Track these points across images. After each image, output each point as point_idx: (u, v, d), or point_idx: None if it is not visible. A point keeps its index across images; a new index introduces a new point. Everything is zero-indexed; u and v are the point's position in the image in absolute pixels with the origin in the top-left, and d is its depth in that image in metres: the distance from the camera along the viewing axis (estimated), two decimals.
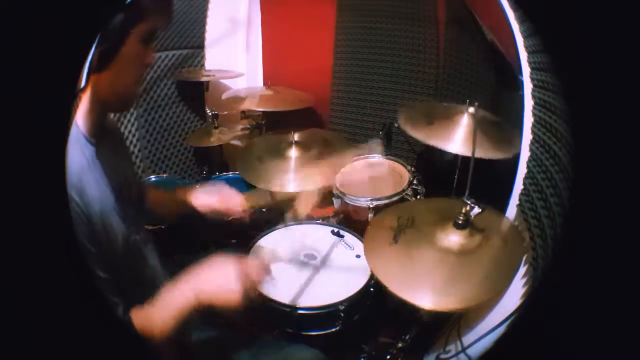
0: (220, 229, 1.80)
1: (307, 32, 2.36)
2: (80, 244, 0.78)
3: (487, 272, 0.99)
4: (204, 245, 1.83)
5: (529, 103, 1.10)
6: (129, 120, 2.14)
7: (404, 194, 1.54)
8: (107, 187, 0.91)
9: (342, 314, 1.19)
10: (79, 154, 0.85)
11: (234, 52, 2.55)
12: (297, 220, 1.45)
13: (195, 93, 2.40)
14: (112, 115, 1.16)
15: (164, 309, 0.85)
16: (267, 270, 0.99)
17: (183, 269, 1.11)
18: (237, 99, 2.16)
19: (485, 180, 1.16)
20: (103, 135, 0.95)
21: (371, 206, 1.51)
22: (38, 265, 0.61)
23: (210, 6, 2.39)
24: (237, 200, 1.27)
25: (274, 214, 1.85)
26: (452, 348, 1.16)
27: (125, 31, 0.81)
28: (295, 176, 1.77)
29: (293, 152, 1.85)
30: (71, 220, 0.77)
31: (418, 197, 1.59)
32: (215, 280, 0.88)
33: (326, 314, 1.19)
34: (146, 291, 1.04)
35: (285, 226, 1.55)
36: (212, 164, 2.39)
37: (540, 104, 1.03)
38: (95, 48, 0.77)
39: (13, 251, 0.59)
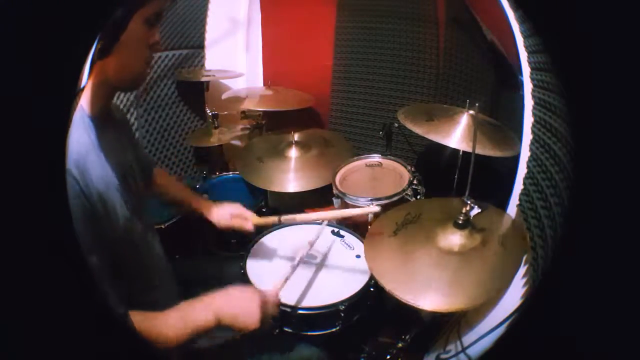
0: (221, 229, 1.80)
1: (307, 32, 2.36)
2: (76, 228, 0.74)
3: (487, 272, 0.99)
4: (204, 246, 1.83)
5: (529, 103, 1.10)
6: (128, 120, 2.14)
7: (404, 194, 1.54)
8: (112, 170, 0.91)
9: (342, 314, 1.19)
10: (83, 135, 0.85)
11: (234, 52, 2.55)
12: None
13: (196, 93, 2.40)
14: (119, 103, 1.17)
15: (182, 322, 0.88)
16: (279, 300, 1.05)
17: (184, 270, 1.12)
18: (237, 99, 2.16)
19: (486, 180, 1.16)
20: (109, 120, 0.95)
21: None
22: (37, 266, 0.61)
23: (210, 6, 2.39)
24: (249, 218, 1.34)
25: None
26: (452, 348, 1.17)
27: (129, 14, 0.82)
28: (295, 176, 1.78)
29: (293, 152, 1.86)
30: (71, 221, 0.74)
31: (418, 197, 1.59)
32: (236, 304, 0.94)
33: (326, 314, 1.18)
34: (147, 282, 1.04)
35: (286, 226, 1.55)
36: (212, 164, 2.39)
37: (540, 104, 1.03)
38: (100, 34, 0.78)
39: (12, 252, 0.59)
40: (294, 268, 1.15)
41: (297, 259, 1.18)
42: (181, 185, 1.46)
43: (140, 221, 1.01)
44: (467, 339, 1.10)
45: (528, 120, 1.10)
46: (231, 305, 0.93)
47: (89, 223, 0.82)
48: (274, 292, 1.04)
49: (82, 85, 0.83)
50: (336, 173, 1.71)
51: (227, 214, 1.34)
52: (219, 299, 0.94)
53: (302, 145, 1.89)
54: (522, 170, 1.12)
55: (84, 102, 0.87)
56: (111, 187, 0.90)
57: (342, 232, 1.51)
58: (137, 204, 1.00)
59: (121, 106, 2.05)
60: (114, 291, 0.84)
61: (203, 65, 2.47)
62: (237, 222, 1.33)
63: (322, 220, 1.42)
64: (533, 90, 1.08)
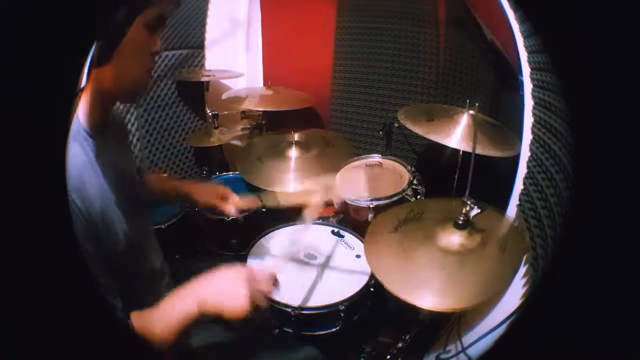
0: (221, 229, 1.80)
1: (307, 32, 2.36)
2: (80, 246, 0.76)
3: (484, 273, 0.99)
4: (204, 246, 1.83)
5: (529, 103, 1.10)
6: (129, 120, 2.14)
7: (404, 194, 1.54)
8: (109, 181, 0.89)
9: (342, 314, 1.19)
10: (79, 150, 0.83)
11: (234, 52, 2.55)
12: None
13: (196, 93, 2.40)
14: (118, 104, 1.14)
15: (166, 315, 0.84)
16: (275, 281, 0.97)
17: (184, 270, 1.11)
18: (237, 99, 2.16)
19: (486, 180, 1.16)
20: (106, 128, 0.92)
21: (371, 206, 1.51)
22: (37, 266, 0.61)
23: (210, 6, 2.40)
24: (231, 202, 1.33)
25: (275, 214, 1.85)
26: (452, 348, 1.17)
27: (129, 17, 0.77)
28: (295, 176, 1.78)
29: (293, 152, 1.86)
30: (71, 221, 0.74)
31: (418, 197, 1.59)
32: (220, 288, 0.86)
33: (326, 314, 1.19)
34: (147, 288, 1.04)
35: (286, 226, 1.55)
36: (212, 164, 2.39)
37: (540, 104, 1.03)
38: (98, 40, 0.74)
39: (12, 252, 0.59)
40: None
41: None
42: (165, 177, 1.46)
43: (138, 229, 0.99)
44: (467, 339, 1.10)
45: (528, 120, 1.10)
46: (213, 290, 0.86)
47: (92, 246, 0.81)
48: (269, 275, 0.93)
49: (82, 85, 0.83)
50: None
51: (212, 192, 1.34)
52: (200, 284, 0.87)
53: (302, 145, 1.89)
54: (522, 170, 1.12)
55: (81, 113, 0.83)
56: (108, 201, 0.88)
57: (342, 232, 1.51)
58: (135, 211, 0.99)
59: (121, 106, 2.05)
60: (116, 303, 0.84)
61: (203, 65, 2.47)
62: (219, 203, 1.32)
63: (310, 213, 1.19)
64: (533, 90, 1.08)
